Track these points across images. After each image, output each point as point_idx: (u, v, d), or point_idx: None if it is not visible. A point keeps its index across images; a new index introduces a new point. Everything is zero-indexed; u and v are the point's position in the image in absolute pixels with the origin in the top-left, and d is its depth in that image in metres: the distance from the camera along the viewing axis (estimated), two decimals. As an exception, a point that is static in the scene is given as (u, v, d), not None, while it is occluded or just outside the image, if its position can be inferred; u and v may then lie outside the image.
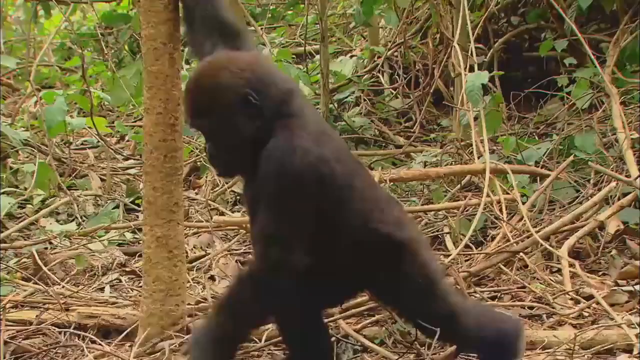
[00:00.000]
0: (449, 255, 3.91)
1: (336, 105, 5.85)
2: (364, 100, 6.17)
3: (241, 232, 4.40)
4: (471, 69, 4.22)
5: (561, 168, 4.06)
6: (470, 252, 3.63)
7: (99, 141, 5.86)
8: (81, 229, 4.46)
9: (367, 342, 2.86)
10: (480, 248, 3.80)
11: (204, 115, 2.40)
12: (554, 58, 5.75)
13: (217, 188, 4.98)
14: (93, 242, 4.21)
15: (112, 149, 5.90)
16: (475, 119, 4.21)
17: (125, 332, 2.99)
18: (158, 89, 2.83)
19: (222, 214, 4.61)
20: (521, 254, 3.54)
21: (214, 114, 2.38)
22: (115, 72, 6.24)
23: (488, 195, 3.76)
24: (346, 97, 6.16)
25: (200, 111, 2.41)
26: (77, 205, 4.76)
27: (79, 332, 3.04)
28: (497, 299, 3.26)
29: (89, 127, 5.64)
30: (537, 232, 3.54)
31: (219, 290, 3.61)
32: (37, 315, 3.15)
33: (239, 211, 4.78)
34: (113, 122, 6.79)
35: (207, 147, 2.46)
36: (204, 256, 4.06)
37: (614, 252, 3.70)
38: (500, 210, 3.79)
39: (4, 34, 8.02)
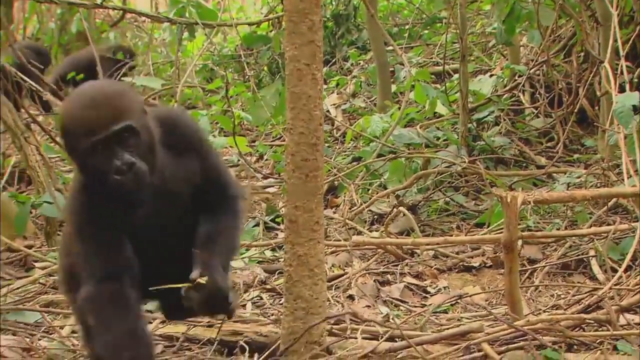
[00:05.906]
0: (596, 280, 3.79)
1: (475, 124, 5.77)
2: (504, 119, 6.06)
3: (379, 252, 4.38)
4: (621, 89, 4.07)
5: None
6: (620, 286, 3.46)
7: (239, 160, 5.98)
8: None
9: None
10: (628, 273, 3.64)
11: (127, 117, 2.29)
12: None
13: (355, 207, 4.99)
14: (234, 260, 4.27)
15: (252, 167, 6.00)
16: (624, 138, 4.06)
17: (269, 350, 2.98)
18: (300, 109, 2.85)
19: (360, 233, 4.61)
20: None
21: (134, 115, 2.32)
22: (256, 92, 6.37)
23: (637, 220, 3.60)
24: (485, 117, 6.06)
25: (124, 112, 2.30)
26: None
27: (222, 349, 3.09)
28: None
29: (230, 146, 5.77)
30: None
31: (358, 310, 3.60)
32: (183, 332, 3.21)
33: (376, 230, 4.77)
34: (253, 142, 6.93)
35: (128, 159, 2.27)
36: (342, 275, 4.08)
37: None
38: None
39: (150, 56, 8.32)
